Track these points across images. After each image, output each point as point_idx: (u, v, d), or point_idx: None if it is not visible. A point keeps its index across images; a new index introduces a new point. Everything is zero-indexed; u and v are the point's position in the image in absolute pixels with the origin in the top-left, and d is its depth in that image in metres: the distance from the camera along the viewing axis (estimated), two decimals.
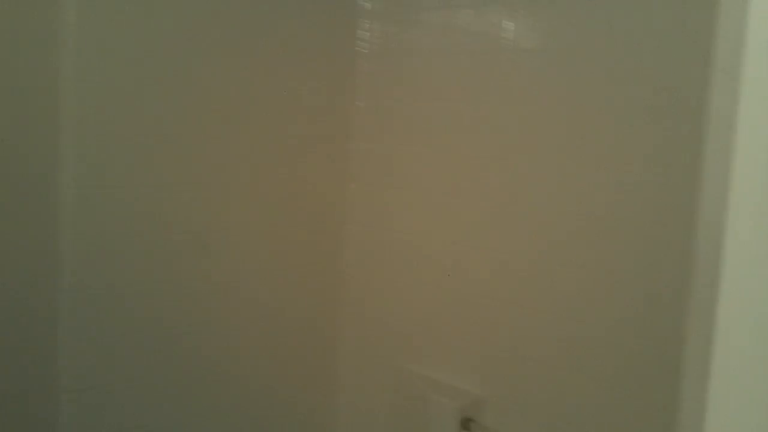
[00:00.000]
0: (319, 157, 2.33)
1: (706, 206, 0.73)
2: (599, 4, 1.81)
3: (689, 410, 0.74)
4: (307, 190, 2.30)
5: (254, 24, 2.09)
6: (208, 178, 2.04)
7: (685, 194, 1.64)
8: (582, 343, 1.87)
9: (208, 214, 2.06)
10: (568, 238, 1.89)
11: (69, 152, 1.76)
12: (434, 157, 2.19)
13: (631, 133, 1.76)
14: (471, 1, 2.09)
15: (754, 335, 0.66)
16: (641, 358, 1.76)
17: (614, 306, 1.80)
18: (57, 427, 1.80)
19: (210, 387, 2.12)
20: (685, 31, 1.65)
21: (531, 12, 1.95)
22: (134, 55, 1.84)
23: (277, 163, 2.20)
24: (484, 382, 2.10)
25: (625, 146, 1.77)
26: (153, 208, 1.93)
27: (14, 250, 1.74)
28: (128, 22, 1.82)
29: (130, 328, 1.92)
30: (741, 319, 0.66)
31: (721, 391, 0.63)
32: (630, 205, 1.77)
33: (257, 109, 2.13)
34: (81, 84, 1.76)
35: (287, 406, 2.34)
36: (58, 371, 1.80)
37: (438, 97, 2.17)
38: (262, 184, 2.17)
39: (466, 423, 2.08)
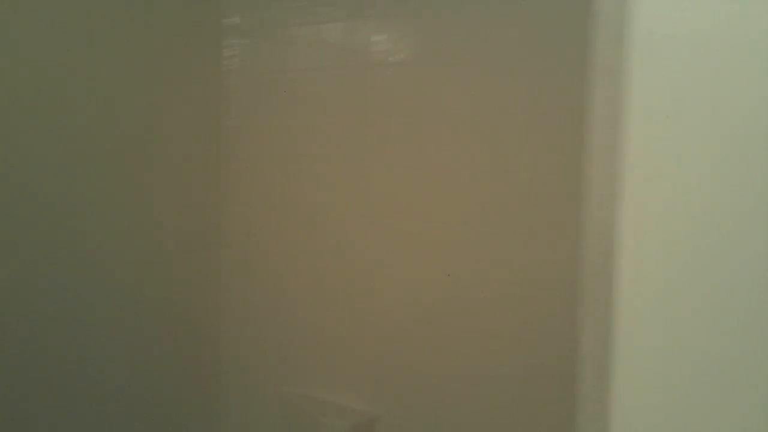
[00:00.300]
0: (192, 180, 2.24)
1: (593, 206, 0.73)
2: (466, 15, 1.83)
3: (587, 423, 0.73)
4: (182, 213, 2.21)
5: (116, 43, 1.99)
6: (76, 204, 1.92)
7: (571, 195, 1.68)
8: (475, 356, 1.88)
9: (80, 241, 1.93)
10: (453, 246, 1.90)
11: None
12: (311, 174, 2.15)
13: (509, 139, 1.79)
14: (338, 16, 2.07)
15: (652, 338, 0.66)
16: (537, 371, 1.78)
17: (507, 318, 1.82)
18: None
19: (86, 420, 1.99)
20: (560, 33, 1.69)
21: (399, 25, 1.96)
22: None
23: (147, 187, 2.10)
24: (376, 399, 2.07)
25: (503, 152, 1.80)
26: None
27: None
28: None
29: None
30: (637, 322, 0.66)
31: (621, 409, 0.62)
32: (517, 210, 1.79)
33: (121, 131, 2.02)
34: None
35: None
36: None
37: (312, 113, 2.14)
38: (134, 207, 2.07)
39: None
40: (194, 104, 2.23)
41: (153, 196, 2.13)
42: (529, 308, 1.78)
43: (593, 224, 0.73)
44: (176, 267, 2.21)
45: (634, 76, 0.62)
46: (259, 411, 2.31)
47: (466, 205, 1.87)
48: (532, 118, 1.75)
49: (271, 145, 2.24)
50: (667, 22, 0.61)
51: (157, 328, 2.16)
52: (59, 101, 1.88)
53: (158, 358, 2.17)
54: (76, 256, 1.95)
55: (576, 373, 0.77)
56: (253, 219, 2.29)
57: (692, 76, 0.61)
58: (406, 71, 1.95)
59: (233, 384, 2.36)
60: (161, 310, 2.17)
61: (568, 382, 1.60)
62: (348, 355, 2.12)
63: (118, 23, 2.00)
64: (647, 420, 0.60)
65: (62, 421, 1.93)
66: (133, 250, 2.08)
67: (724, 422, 0.56)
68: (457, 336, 1.90)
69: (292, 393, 2.22)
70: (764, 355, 0.55)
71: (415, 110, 1.93)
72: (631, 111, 0.62)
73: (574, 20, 1.62)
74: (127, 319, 2.08)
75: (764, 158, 0.56)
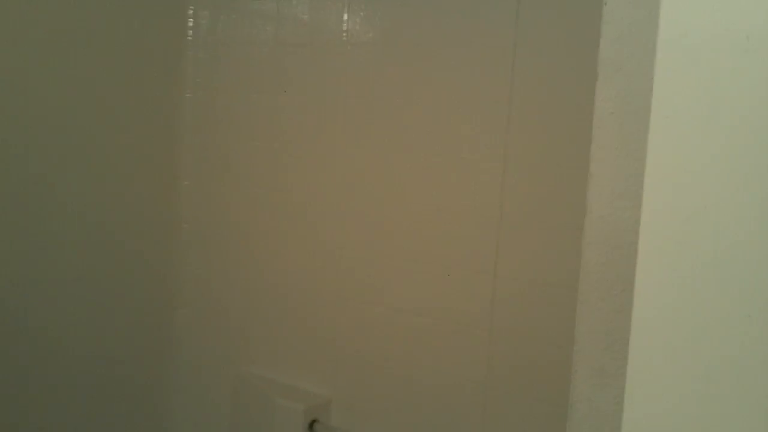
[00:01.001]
0: (148, 154, 2.17)
1: (600, 204, 0.72)
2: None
3: (581, 422, 0.73)
4: (139, 186, 2.14)
5: (77, 7, 1.91)
6: (27, 181, 1.85)
7: (573, 190, 1.68)
8: (426, 340, 1.88)
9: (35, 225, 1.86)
10: (405, 231, 1.88)
11: None
12: (272, 150, 2.11)
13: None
14: None
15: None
16: (503, 369, 1.79)
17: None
18: None
19: (37, 388, 1.93)
20: (557, 21, 1.69)
21: (371, 4, 1.92)
22: None
23: (102, 162, 2.03)
24: (331, 382, 2.06)
25: (491, 144, 1.79)
26: None
27: None
28: None
29: None
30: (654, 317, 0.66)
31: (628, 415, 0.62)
32: (496, 202, 1.78)
33: (78, 104, 1.95)
34: None
35: (118, 410, 2.17)
36: None
37: (275, 89, 2.09)
38: (87, 184, 2.00)
39: (311, 424, 2.03)
40: (155, 73, 2.16)
41: (108, 168, 2.06)
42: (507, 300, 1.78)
43: (598, 223, 0.73)
44: (131, 240, 2.15)
45: (657, 74, 0.61)
46: (212, 389, 2.28)
47: (414, 186, 1.85)
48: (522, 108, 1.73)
49: (231, 119, 2.18)
50: (691, 17, 0.60)
51: (109, 301, 2.10)
52: (19, 69, 1.80)
53: (109, 332, 2.11)
54: (33, 226, 1.88)
55: (571, 372, 0.77)
56: (212, 193, 2.24)
57: (716, 76, 0.60)
58: (376, 51, 1.92)
59: (186, 360, 2.32)
60: (114, 282, 2.11)
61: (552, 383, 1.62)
62: (304, 338, 2.10)
63: None
64: (656, 427, 0.60)
65: (12, 385, 1.88)
66: (88, 225, 2.02)
67: (742, 428, 0.56)
68: (408, 323, 1.90)
69: (246, 372, 2.19)
70: None
71: (385, 92, 1.91)
72: (650, 109, 0.62)
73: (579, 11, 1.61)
74: (80, 289, 2.03)
75: None
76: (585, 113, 1.57)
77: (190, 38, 2.21)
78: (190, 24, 2.20)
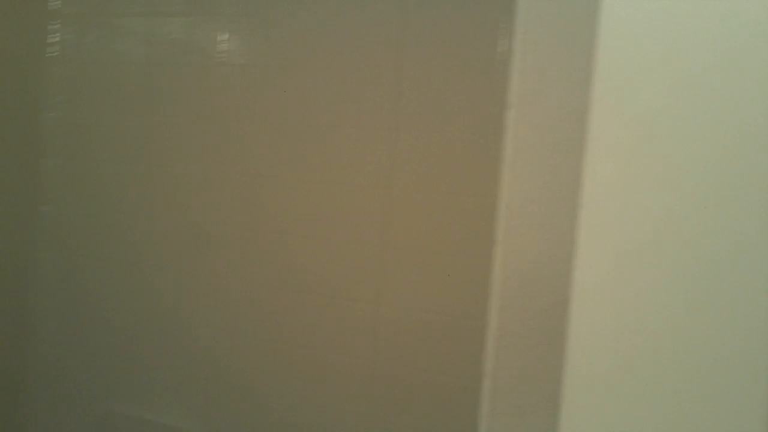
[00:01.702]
0: (4, 175, 2.00)
1: (505, 219, 0.71)
2: (329, 16, 1.78)
3: None
4: None
5: None
6: None
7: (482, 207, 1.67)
8: (306, 371, 1.83)
9: None
10: (284, 251, 1.83)
11: None
12: (138, 175, 2.00)
13: (350, 144, 1.76)
14: (182, 10, 1.95)
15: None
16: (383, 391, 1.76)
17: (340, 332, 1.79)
18: None
19: None
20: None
21: (248, 25, 1.87)
22: None
23: None
24: (205, 418, 1.96)
25: (345, 156, 1.77)
26: None
27: None
28: None
29: None
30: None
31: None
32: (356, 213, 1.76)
33: None
34: None
35: None
36: None
37: (145, 111, 1.99)
38: None
39: None
40: (11, 93, 2.00)
41: None
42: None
43: (514, 255, 0.71)
44: None
45: (596, 77, 0.60)
46: (72, 430, 2.11)
47: (312, 207, 1.81)
48: (369, 124, 1.73)
49: (99, 141, 2.05)
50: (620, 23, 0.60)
51: None
52: None
53: None
54: None
55: (480, 408, 0.75)
56: (71, 219, 2.09)
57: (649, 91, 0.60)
58: (256, 72, 1.86)
59: (39, 401, 2.14)
60: None
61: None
62: (174, 371, 1.98)
63: None
64: None
65: None
66: None
67: None
68: (294, 356, 1.84)
69: (110, 411, 2.05)
70: (726, 375, 0.55)
71: (264, 112, 1.85)
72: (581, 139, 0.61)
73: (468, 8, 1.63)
74: None
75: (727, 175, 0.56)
76: (472, 116, 1.61)
77: (55, 54, 2.07)
78: (56, 40, 2.06)
